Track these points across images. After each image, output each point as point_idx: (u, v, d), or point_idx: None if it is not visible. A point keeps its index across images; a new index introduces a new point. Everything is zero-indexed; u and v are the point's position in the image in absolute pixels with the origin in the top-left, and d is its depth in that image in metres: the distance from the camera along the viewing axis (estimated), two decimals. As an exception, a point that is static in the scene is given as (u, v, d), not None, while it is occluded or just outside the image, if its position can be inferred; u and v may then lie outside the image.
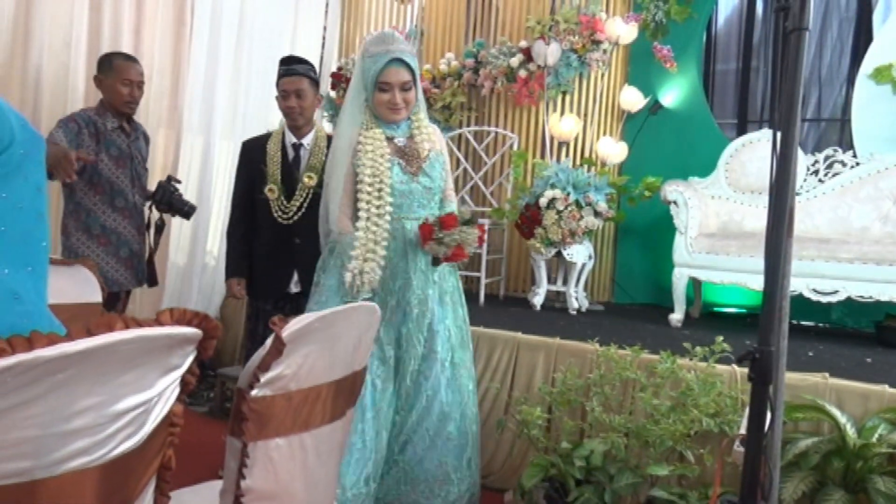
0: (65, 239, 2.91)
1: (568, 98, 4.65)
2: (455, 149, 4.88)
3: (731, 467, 2.35)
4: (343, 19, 5.70)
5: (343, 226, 2.35)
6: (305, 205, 2.76)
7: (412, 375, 2.39)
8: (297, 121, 2.78)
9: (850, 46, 4.71)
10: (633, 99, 4.64)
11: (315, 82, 2.82)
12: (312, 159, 2.78)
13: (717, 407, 2.38)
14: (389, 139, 2.36)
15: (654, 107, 4.74)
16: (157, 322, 0.90)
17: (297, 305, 2.77)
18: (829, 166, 4.03)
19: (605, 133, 4.71)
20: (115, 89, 2.94)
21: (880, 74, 4.04)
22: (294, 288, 2.81)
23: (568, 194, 3.95)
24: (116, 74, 2.94)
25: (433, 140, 2.45)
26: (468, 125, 4.99)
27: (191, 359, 1.03)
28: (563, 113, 4.61)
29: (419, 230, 2.30)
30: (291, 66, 2.76)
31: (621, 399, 2.66)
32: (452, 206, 2.50)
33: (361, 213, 2.27)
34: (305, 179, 2.74)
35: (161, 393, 0.96)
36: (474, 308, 3.66)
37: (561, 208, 3.94)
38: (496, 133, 4.83)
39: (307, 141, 2.82)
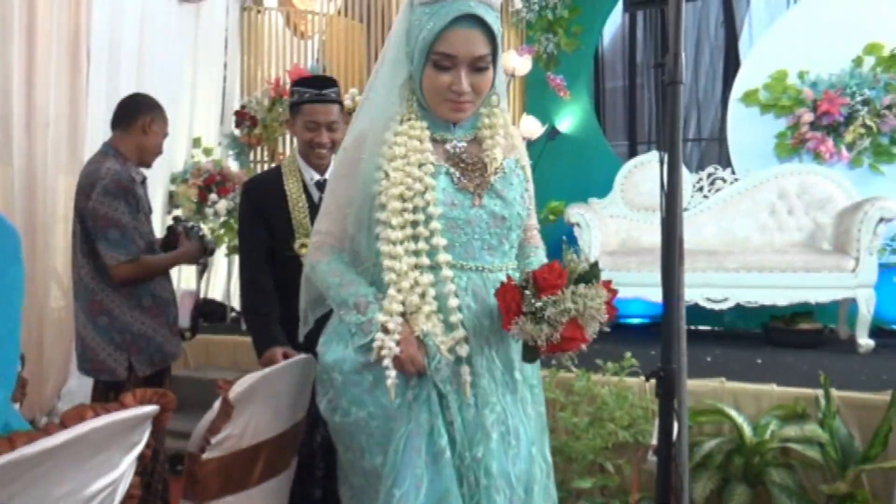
0: (107, 320, 2.40)
1: (471, 128, 4.85)
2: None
3: (646, 474, 2.55)
4: (243, 54, 5.68)
5: (314, 255, 1.51)
6: None
7: None
8: (325, 159, 2.21)
9: (721, 71, 5.17)
10: (531, 127, 4.88)
11: (342, 106, 2.27)
12: None
13: (631, 418, 2.58)
14: (438, 142, 1.44)
15: (552, 133, 5.01)
16: (122, 405, 0.95)
17: None
18: (712, 183, 4.41)
19: (508, 160, 4.93)
20: (158, 141, 2.61)
21: (748, 98, 4.46)
22: None
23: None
24: (162, 122, 2.61)
25: (515, 146, 1.52)
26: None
27: (147, 433, 1.08)
28: (467, 143, 4.80)
29: (497, 299, 1.35)
30: (322, 92, 2.17)
31: (543, 418, 2.82)
32: (540, 255, 1.59)
33: (388, 264, 1.36)
34: None
35: (125, 471, 1.00)
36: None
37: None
38: (404, 164, 4.97)
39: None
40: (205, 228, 2.93)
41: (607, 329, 1.35)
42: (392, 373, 1.31)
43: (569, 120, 5.03)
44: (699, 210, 4.37)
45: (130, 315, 2.42)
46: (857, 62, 4.19)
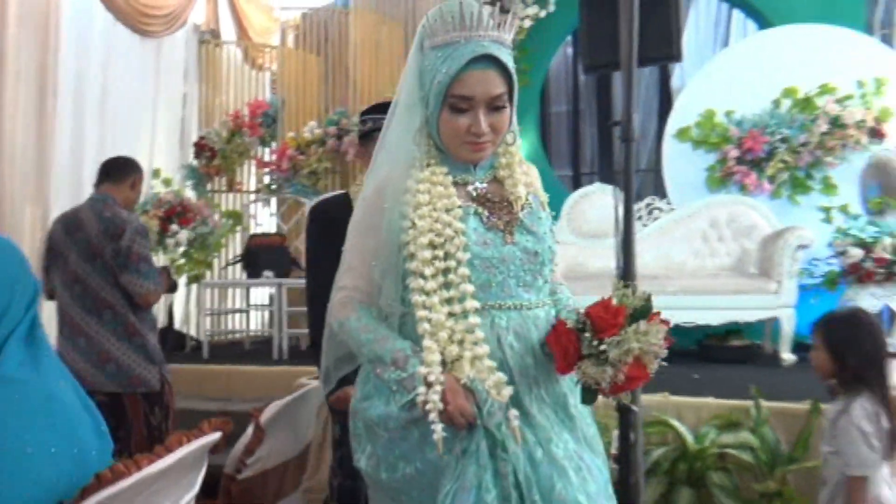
0: (141, 339, 2.72)
1: (427, 160, 5.12)
2: (325, 211, 5.15)
3: (603, 481, 2.82)
4: (201, 86, 5.81)
5: (340, 312, 1.44)
6: None
7: None
8: None
9: (656, 108, 5.60)
10: (484, 159, 5.19)
11: None
12: None
13: (588, 432, 2.85)
14: (460, 185, 1.43)
15: (502, 164, 5.33)
16: (201, 431, 1.14)
17: None
18: (650, 212, 4.80)
19: (462, 190, 5.22)
20: (138, 197, 3.08)
21: (681, 134, 4.89)
22: None
23: (437, 250, 4.38)
24: (142, 182, 3.02)
25: (533, 185, 1.51)
26: (335, 189, 5.29)
27: (206, 456, 1.27)
28: (424, 174, 5.06)
29: (549, 344, 1.34)
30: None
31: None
32: (566, 291, 1.56)
33: (422, 314, 1.33)
34: None
35: (197, 489, 1.19)
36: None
37: (431, 263, 4.36)
38: (363, 194, 5.18)
39: None
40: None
41: (665, 363, 1.30)
42: (438, 426, 1.23)
43: (523, 149, 5.35)
44: (639, 238, 4.68)
45: (150, 334, 2.77)
46: (776, 104, 4.67)
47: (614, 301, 1.28)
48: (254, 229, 5.61)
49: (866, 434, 1.90)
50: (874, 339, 2.02)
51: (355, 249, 1.46)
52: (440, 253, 1.33)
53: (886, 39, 4.94)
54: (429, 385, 1.25)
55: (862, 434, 1.90)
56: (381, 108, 2.10)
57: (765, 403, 2.84)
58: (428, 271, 1.32)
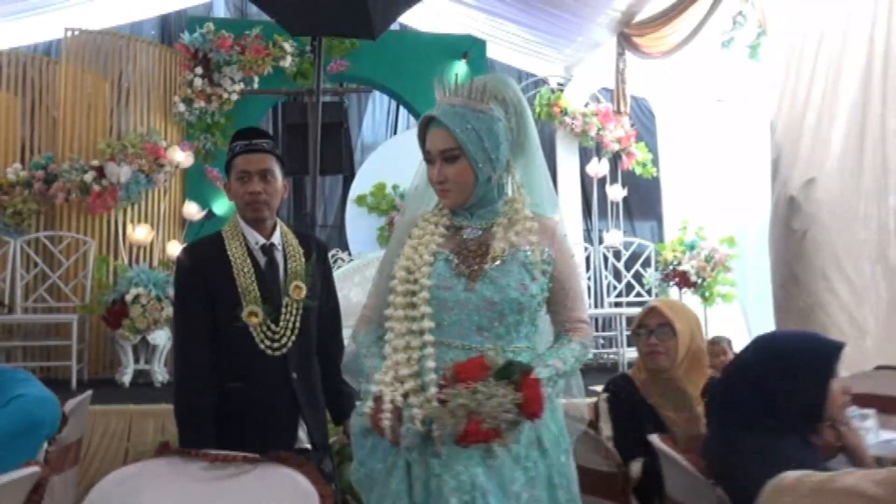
0: None
1: (139, 208, 5.64)
2: (31, 252, 5.31)
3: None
4: None
5: (358, 327, 1.68)
6: (297, 326, 2.06)
7: None
8: (261, 212, 2.06)
9: (340, 176, 6.86)
10: (192, 210, 5.87)
11: (282, 162, 2.15)
12: (292, 263, 2.10)
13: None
14: (456, 228, 1.60)
15: (208, 214, 6.03)
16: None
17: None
18: (335, 262, 5.95)
19: (171, 238, 5.82)
20: None
21: (360, 200, 6.19)
22: (304, 441, 2.04)
23: (150, 291, 4.95)
24: None
25: (531, 240, 1.57)
26: (43, 230, 5.48)
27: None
28: (135, 222, 5.57)
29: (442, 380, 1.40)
30: (252, 142, 2.08)
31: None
32: (565, 346, 1.59)
33: (388, 336, 1.53)
34: (292, 291, 2.06)
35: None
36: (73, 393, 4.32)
37: (145, 302, 4.92)
38: (72, 238, 5.46)
39: (277, 239, 2.11)
40: None
41: (520, 430, 1.35)
42: (386, 421, 1.44)
43: (225, 204, 6.10)
44: (326, 281, 5.85)
45: None
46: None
47: (488, 360, 1.37)
48: (-61, 267, 5.46)
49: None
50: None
51: (379, 275, 1.69)
52: (411, 278, 1.53)
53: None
54: (376, 400, 1.47)
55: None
56: (239, 135, 2.12)
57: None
58: (399, 289, 1.53)
